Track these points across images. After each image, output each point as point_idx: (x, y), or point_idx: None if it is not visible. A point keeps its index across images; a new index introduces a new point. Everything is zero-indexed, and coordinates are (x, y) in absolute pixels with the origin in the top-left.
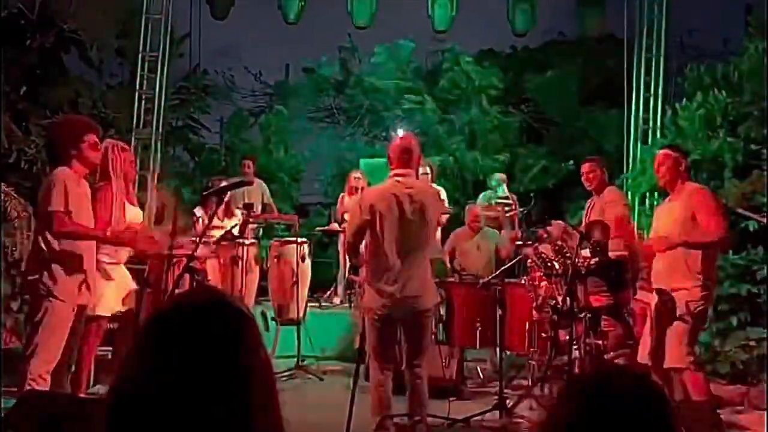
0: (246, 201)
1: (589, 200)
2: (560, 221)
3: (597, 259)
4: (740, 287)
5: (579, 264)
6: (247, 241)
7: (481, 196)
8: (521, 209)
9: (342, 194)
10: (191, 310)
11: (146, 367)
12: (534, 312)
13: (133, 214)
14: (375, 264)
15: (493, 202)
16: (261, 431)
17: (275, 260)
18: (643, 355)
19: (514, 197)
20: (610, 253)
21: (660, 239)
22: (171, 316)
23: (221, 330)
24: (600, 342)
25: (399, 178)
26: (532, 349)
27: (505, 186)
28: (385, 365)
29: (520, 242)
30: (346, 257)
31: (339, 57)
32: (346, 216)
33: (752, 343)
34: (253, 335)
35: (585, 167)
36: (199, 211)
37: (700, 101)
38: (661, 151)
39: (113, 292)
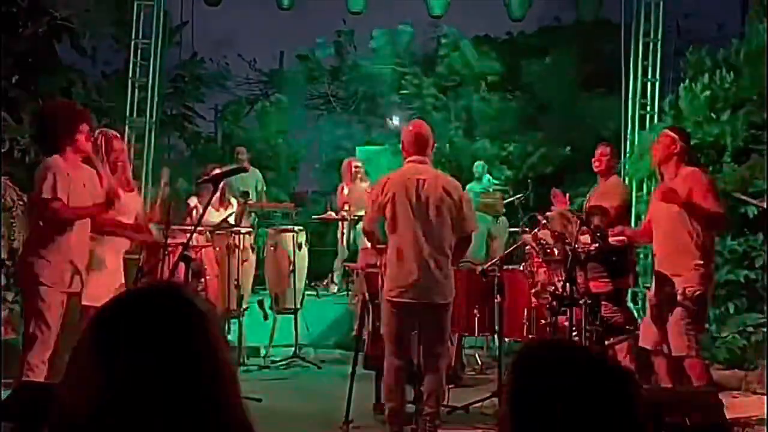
0: (241, 189)
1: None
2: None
3: (597, 244)
4: (738, 273)
5: (579, 250)
6: (243, 230)
7: (470, 186)
8: (518, 195)
9: (341, 184)
10: (134, 301)
11: (90, 359)
12: (533, 298)
13: (131, 200)
14: (394, 252)
15: (490, 189)
16: (218, 419)
17: (272, 249)
18: (644, 342)
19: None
20: (610, 239)
21: (669, 192)
22: (113, 308)
23: (164, 317)
24: (600, 328)
25: (416, 165)
26: (530, 336)
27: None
28: (401, 353)
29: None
30: (344, 245)
31: (334, 42)
32: (346, 207)
33: (750, 329)
34: (203, 323)
35: (602, 150)
36: (193, 201)
37: (706, 83)
38: (662, 131)
39: (106, 281)
